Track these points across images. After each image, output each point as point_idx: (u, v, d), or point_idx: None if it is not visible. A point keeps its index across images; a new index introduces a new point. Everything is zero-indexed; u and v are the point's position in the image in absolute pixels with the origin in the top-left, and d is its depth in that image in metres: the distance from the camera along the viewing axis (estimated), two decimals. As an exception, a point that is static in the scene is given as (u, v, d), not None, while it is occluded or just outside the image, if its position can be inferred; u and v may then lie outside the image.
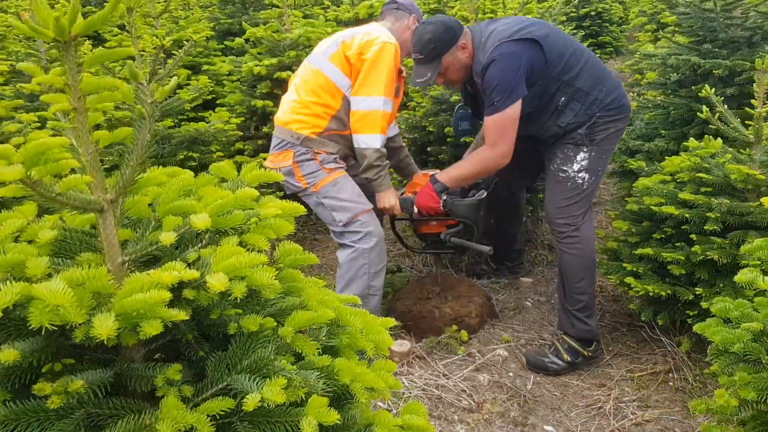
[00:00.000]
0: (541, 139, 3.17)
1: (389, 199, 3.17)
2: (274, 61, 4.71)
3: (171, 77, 4.58)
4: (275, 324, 1.47)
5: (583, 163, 3.00)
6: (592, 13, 10.63)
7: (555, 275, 3.96)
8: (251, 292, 1.43)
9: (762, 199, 2.24)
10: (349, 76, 3.06)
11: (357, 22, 6.13)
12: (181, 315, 1.24)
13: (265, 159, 4.39)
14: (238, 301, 1.32)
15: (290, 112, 3.13)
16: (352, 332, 1.66)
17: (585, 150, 3.01)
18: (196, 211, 1.52)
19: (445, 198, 3.12)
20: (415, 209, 3.16)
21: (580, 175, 3.00)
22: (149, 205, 1.54)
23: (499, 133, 2.93)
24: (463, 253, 3.38)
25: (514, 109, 2.88)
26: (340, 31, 3.33)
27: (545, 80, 2.94)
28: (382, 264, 3.12)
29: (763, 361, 1.75)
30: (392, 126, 3.31)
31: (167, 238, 1.36)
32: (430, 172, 3.39)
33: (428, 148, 4.05)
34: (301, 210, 1.64)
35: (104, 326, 1.14)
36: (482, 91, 2.98)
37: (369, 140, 3.03)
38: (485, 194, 3.31)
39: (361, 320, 1.69)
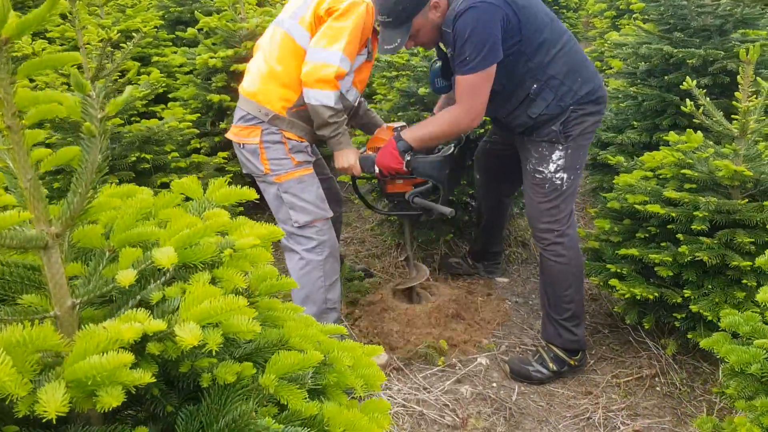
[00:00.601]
0: (508, 128, 2.98)
1: (348, 157, 2.90)
2: (230, 52, 4.44)
3: (121, 74, 4.28)
4: (255, 371, 1.28)
5: (560, 162, 2.82)
6: (549, 0, 10.56)
7: (530, 274, 3.84)
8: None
9: None
10: None
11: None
12: (146, 377, 1.04)
13: (224, 158, 4.18)
14: (213, 352, 1.12)
15: (258, 82, 2.84)
16: (340, 369, 1.47)
17: (560, 148, 2.81)
18: (159, 241, 1.31)
19: (408, 158, 2.88)
20: (377, 169, 2.93)
21: (557, 175, 2.83)
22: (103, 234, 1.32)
23: (470, 93, 2.68)
24: (430, 216, 3.15)
25: (489, 72, 2.63)
26: None
27: (515, 58, 2.69)
28: (336, 275, 2.92)
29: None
30: (355, 91, 3.00)
31: (125, 277, 1.14)
32: (395, 124, 3.12)
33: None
34: (280, 234, 1.43)
35: (52, 400, 0.94)
36: (452, 41, 2.69)
37: (321, 96, 2.72)
38: (452, 149, 3.10)
39: (350, 355, 1.50)
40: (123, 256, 1.25)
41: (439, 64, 3.09)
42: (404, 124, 3.15)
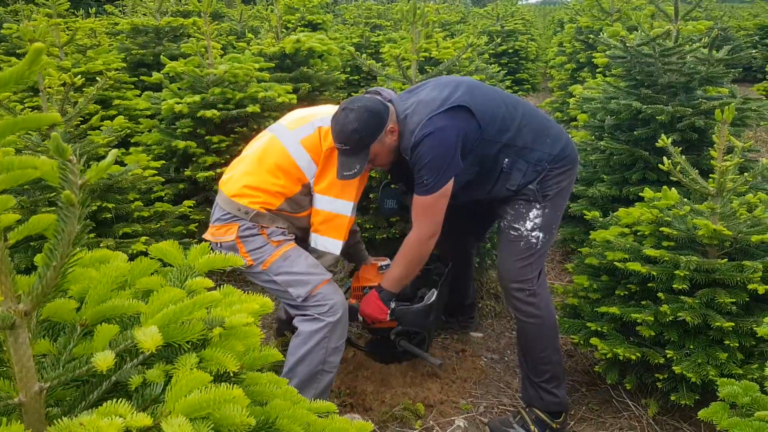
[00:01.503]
0: (489, 203, 2.96)
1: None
2: (197, 98, 4.35)
3: (82, 119, 4.14)
4: (243, 462, 1.15)
5: (537, 221, 2.78)
6: (510, 51, 10.78)
7: (505, 329, 3.77)
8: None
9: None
10: (318, 165, 2.76)
11: (283, 57, 5.84)
12: (129, 483, 0.91)
13: (189, 207, 4.03)
14: (203, 448, 1.00)
15: (241, 184, 2.74)
16: (331, 453, 1.35)
17: (538, 207, 2.78)
18: (140, 316, 1.19)
19: (392, 306, 2.88)
20: (360, 318, 2.94)
21: (533, 234, 2.78)
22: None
23: (425, 214, 2.71)
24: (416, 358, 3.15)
25: (446, 189, 2.65)
26: (315, 112, 2.95)
27: (483, 145, 2.70)
28: (342, 340, 2.78)
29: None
30: None
31: (103, 361, 1.02)
32: (380, 261, 3.16)
33: (370, 195, 3.76)
34: (271, 306, 1.32)
35: None
36: (412, 168, 2.71)
37: (330, 245, 2.76)
38: (435, 295, 3.06)
39: (341, 435, 1.38)
40: (99, 335, 1.13)
41: (391, 188, 3.15)
42: (388, 261, 3.13)
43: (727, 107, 2.77)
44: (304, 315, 2.73)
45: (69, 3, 6.49)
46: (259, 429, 1.27)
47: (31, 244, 3.12)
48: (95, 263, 1.36)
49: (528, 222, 2.78)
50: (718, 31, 4.24)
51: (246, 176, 2.76)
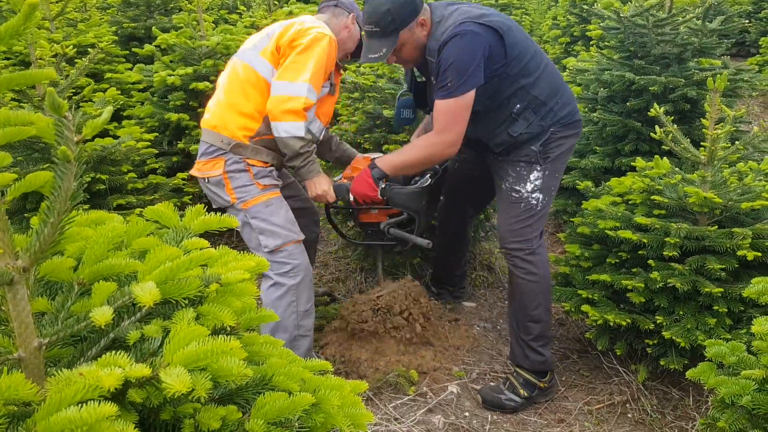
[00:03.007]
0: (486, 147, 2.95)
1: (321, 185, 2.85)
2: (189, 70, 4.32)
3: (74, 91, 4.11)
4: (240, 415, 1.17)
5: (537, 182, 2.82)
6: (504, 25, 10.68)
7: (497, 299, 3.81)
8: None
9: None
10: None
11: (275, 29, 5.79)
12: (128, 430, 0.93)
13: (183, 179, 4.04)
14: (201, 399, 1.02)
15: (218, 114, 2.80)
16: (328, 410, 1.37)
17: (539, 169, 2.82)
18: (137, 274, 1.21)
19: (383, 186, 2.84)
20: (351, 197, 2.87)
21: (534, 195, 2.82)
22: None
23: (449, 120, 2.68)
24: (405, 246, 3.11)
25: (468, 97, 2.64)
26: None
27: (501, 79, 2.71)
28: (311, 302, 2.83)
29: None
30: (319, 123, 2.95)
31: (102, 315, 1.04)
32: (373, 155, 3.09)
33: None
34: (266, 266, 1.34)
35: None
36: (435, 70, 2.70)
37: (290, 128, 2.69)
38: (430, 181, 3.05)
39: (338, 394, 1.40)
40: (96, 291, 1.15)
41: (408, 95, 3.09)
42: (381, 154, 3.10)
43: (719, 76, 2.78)
44: (266, 275, 2.77)
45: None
46: (256, 385, 1.30)
47: (25, 215, 3.13)
48: (91, 224, 1.37)
49: (528, 184, 2.82)
50: (712, 1, 4.23)
51: (220, 105, 2.82)
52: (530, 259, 2.83)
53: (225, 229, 1.43)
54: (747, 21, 10.10)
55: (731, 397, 1.66)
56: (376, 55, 2.69)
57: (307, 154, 2.77)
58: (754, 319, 1.69)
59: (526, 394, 2.86)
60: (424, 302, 3.23)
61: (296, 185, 3.23)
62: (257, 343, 1.42)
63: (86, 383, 0.92)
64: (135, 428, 0.95)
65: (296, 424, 1.29)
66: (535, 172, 2.82)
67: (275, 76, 2.74)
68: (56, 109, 0.99)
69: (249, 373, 1.08)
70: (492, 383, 3.02)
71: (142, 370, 0.96)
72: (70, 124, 1.03)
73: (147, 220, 1.43)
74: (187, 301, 1.16)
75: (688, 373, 1.85)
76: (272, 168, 2.84)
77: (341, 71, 3.12)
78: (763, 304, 1.76)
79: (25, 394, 0.90)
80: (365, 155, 3.14)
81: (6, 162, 1.09)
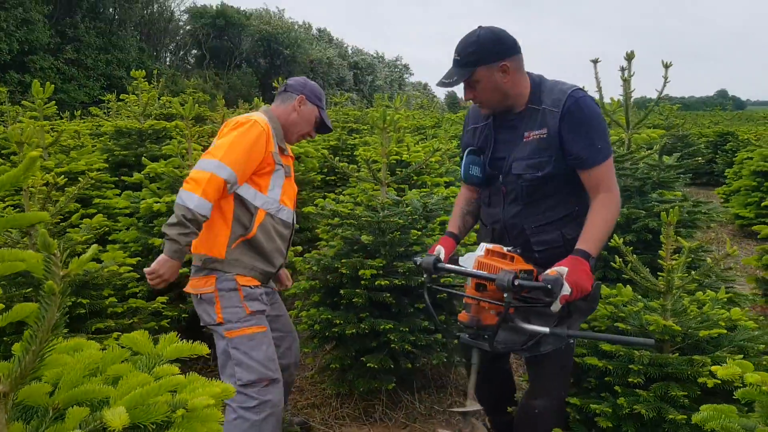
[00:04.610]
0: (525, 244, 2.70)
1: (168, 268, 2.75)
2: (175, 197, 4.50)
3: (62, 217, 4.25)
4: None
5: None
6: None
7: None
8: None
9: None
10: None
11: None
12: None
13: (162, 304, 4.11)
14: None
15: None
16: None
17: None
18: (109, 399, 1.28)
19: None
20: (568, 290, 2.33)
21: None
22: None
23: (611, 178, 2.62)
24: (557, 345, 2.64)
25: (612, 160, 2.66)
26: None
27: (576, 176, 2.64)
28: None
29: None
30: (287, 210, 3.03)
31: (72, 440, 1.10)
32: (503, 249, 2.57)
33: (341, 291, 3.88)
34: (232, 392, 1.42)
35: None
36: (557, 124, 2.58)
37: (185, 195, 2.70)
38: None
39: None
40: (70, 416, 1.22)
41: (473, 155, 2.90)
42: (488, 245, 2.65)
43: (672, 210, 2.98)
44: (228, 404, 2.78)
45: (56, 107, 6.74)
46: None
47: (5, 339, 3.17)
48: (70, 351, 1.45)
49: None
50: (667, 140, 4.55)
51: None
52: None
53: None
54: (714, 153, 10.69)
55: None
56: (448, 81, 2.65)
57: (182, 228, 2.70)
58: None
59: None
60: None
61: (287, 321, 3.26)
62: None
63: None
64: None
65: None
66: None
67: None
68: (46, 247, 1.11)
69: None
70: None
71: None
72: (58, 261, 1.15)
73: (122, 347, 1.52)
74: (154, 426, 1.23)
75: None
76: (262, 291, 2.93)
77: (289, 154, 3.15)
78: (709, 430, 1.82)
79: None
80: (489, 247, 2.63)
81: (-4, 294, 1.19)
